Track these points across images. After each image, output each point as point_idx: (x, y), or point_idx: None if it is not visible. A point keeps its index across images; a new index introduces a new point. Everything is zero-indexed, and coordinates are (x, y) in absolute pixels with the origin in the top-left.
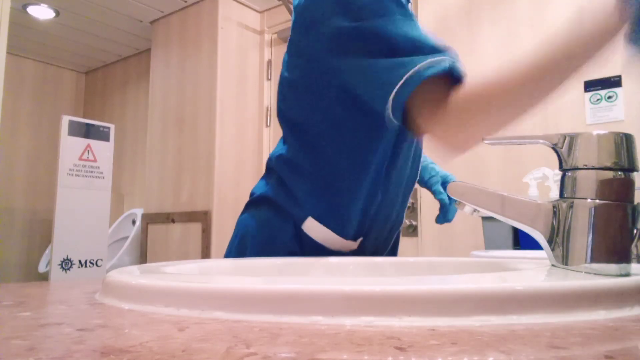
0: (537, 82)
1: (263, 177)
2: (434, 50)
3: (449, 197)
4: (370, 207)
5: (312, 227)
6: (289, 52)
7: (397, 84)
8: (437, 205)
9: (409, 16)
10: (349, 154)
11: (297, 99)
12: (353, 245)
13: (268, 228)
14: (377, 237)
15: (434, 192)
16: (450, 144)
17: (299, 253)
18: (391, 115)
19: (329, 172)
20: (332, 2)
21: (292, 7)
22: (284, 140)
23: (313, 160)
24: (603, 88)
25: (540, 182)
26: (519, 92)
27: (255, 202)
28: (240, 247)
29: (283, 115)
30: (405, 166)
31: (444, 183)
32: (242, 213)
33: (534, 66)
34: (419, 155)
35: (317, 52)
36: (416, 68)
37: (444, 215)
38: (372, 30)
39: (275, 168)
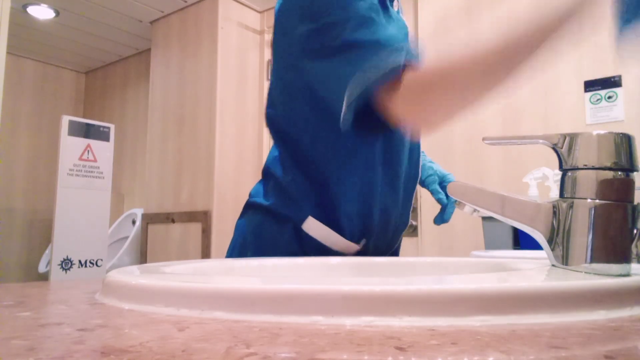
0: (500, 65)
1: (260, 182)
2: (391, 43)
3: (447, 197)
4: (371, 206)
5: (313, 227)
6: (272, 57)
7: (348, 81)
8: (437, 205)
9: (371, 14)
10: (331, 154)
11: (280, 104)
12: (356, 247)
13: (266, 231)
14: (381, 237)
15: (431, 192)
16: (416, 123)
17: (299, 254)
18: (345, 114)
19: (317, 172)
20: (298, 6)
21: None
22: (276, 144)
23: (302, 161)
24: (603, 88)
25: (540, 182)
26: (482, 73)
27: (252, 206)
28: (241, 252)
29: (270, 121)
30: (399, 163)
31: (442, 183)
32: (240, 217)
33: (496, 50)
34: (417, 154)
35: (289, 56)
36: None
37: (442, 215)
38: (329, 29)
39: (271, 171)
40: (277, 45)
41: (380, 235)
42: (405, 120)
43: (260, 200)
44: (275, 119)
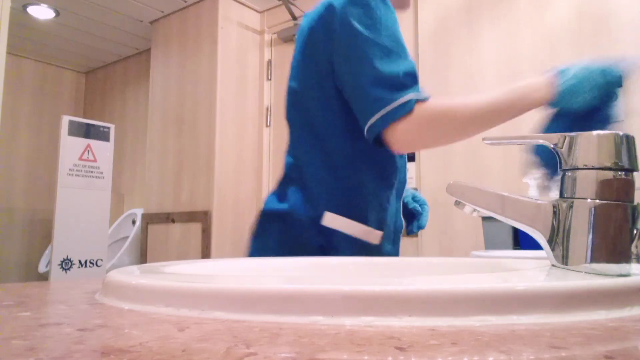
0: (488, 120)
1: (274, 193)
2: (405, 86)
3: (420, 205)
4: (383, 199)
5: (332, 220)
6: (298, 69)
7: (369, 119)
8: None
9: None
10: (353, 151)
11: (312, 101)
12: (379, 233)
13: (289, 235)
14: (388, 236)
15: (406, 203)
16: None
17: (327, 248)
18: (366, 135)
19: (338, 166)
20: (325, 31)
21: (292, 7)
22: (293, 144)
23: (323, 158)
24: None
25: (540, 182)
26: (471, 124)
27: (268, 216)
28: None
29: (293, 121)
30: (400, 169)
31: (414, 197)
32: (257, 235)
33: (486, 110)
34: (405, 163)
35: (321, 72)
36: (383, 112)
37: (418, 223)
38: (359, 59)
39: (288, 176)
40: (305, 62)
41: (387, 233)
42: (410, 144)
43: (277, 206)
44: (302, 116)
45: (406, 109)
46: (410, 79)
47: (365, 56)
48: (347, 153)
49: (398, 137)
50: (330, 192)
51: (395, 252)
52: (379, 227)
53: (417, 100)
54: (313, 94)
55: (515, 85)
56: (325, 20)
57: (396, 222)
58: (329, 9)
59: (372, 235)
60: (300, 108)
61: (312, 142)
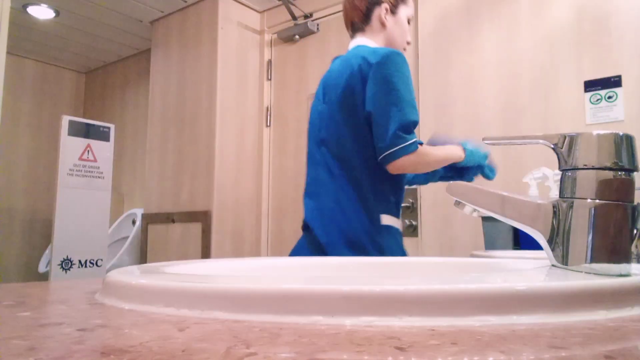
0: (441, 164)
1: (340, 210)
2: (413, 132)
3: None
4: (400, 202)
5: (386, 219)
6: (332, 120)
7: (389, 150)
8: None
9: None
10: (387, 176)
11: (346, 148)
12: (400, 224)
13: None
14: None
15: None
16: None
17: (383, 237)
18: (380, 159)
19: (382, 186)
20: (362, 84)
21: (292, 7)
22: (342, 168)
23: (368, 178)
24: (603, 88)
25: (540, 182)
26: (438, 164)
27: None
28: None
29: (344, 155)
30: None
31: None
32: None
33: (442, 158)
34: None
35: (358, 119)
36: (391, 150)
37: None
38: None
39: (346, 201)
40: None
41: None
42: (403, 170)
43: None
44: (349, 154)
45: (413, 148)
46: (415, 127)
47: (395, 105)
48: (376, 174)
49: (399, 165)
50: (380, 202)
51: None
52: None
53: (420, 144)
54: (349, 137)
55: (448, 148)
56: (363, 75)
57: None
58: (365, 65)
59: (401, 225)
60: (337, 148)
61: (353, 173)
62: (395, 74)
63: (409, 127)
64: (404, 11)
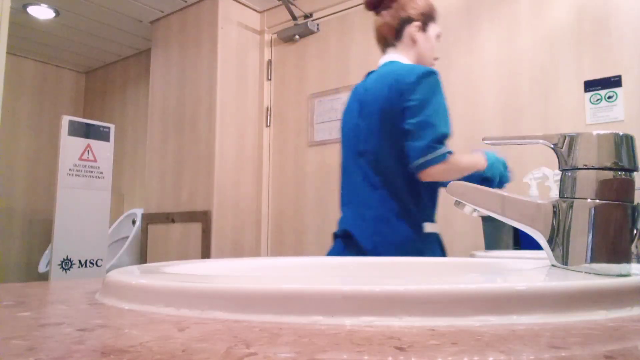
0: (465, 173)
1: (386, 223)
2: (445, 143)
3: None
4: (435, 208)
5: (428, 227)
6: (371, 133)
7: (424, 157)
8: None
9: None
10: (427, 189)
11: (387, 160)
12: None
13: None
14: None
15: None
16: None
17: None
18: (413, 165)
19: (421, 198)
20: (400, 100)
21: (292, 7)
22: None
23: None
24: (603, 88)
25: (540, 182)
26: (463, 173)
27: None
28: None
29: (394, 174)
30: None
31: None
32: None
33: (466, 166)
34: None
35: (397, 132)
36: (423, 160)
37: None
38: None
39: (394, 213)
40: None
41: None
42: (433, 178)
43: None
44: (396, 173)
45: (443, 158)
46: (447, 139)
47: (431, 119)
48: (416, 185)
49: (430, 173)
50: (421, 211)
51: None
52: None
53: (449, 153)
54: (389, 150)
55: (471, 156)
56: (402, 91)
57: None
58: (403, 82)
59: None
60: (377, 160)
61: (394, 185)
62: (431, 91)
63: (442, 139)
64: (433, 29)
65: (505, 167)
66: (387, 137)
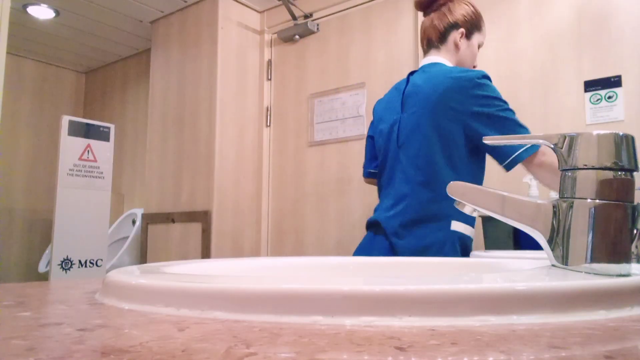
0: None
1: (425, 224)
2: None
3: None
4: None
5: (457, 225)
6: (420, 128)
7: (510, 158)
8: None
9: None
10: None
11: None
12: (473, 232)
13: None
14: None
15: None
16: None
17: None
18: (508, 162)
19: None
20: (459, 101)
21: (292, 7)
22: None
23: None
24: (603, 88)
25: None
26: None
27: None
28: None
29: (432, 167)
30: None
31: None
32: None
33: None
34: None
35: (451, 130)
36: (518, 153)
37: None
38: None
39: (432, 207)
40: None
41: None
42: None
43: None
44: (435, 165)
45: (535, 148)
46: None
47: (509, 112)
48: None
49: (537, 159)
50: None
51: None
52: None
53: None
54: (437, 147)
55: None
56: (462, 92)
57: None
58: (463, 83)
59: (473, 233)
60: (420, 156)
61: (431, 180)
62: (496, 92)
63: (525, 129)
64: (477, 38)
65: None
66: (436, 134)
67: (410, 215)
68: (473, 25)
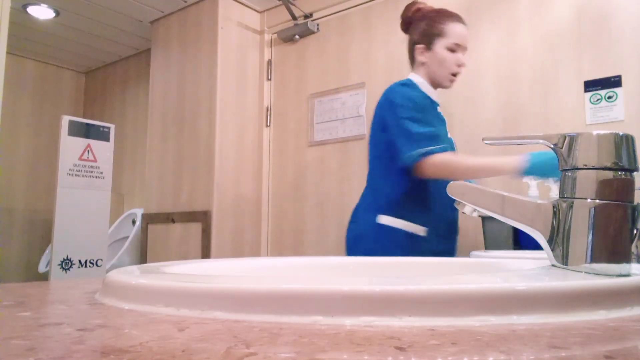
0: (479, 174)
1: (360, 220)
2: (432, 141)
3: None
4: (428, 209)
5: (384, 219)
6: (374, 134)
7: (411, 160)
8: None
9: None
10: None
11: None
12: (422, 229)
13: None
14: (438, 229)
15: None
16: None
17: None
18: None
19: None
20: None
21: (292, 7)
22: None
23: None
24: (603, 88)
25: (540, 182)
26: (473, 174)
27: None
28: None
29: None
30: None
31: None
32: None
33: (479, 171)
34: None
35: (385, 136)
36: (414, 152)
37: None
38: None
39: (367, 205)
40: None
41: (437, 228)
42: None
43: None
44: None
45: (419, 157)
46: (421, 137)
47: (401, 126)
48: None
49: (422, 169)
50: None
51: (447, 245)
52: (425, 224)
53: (429, 153)
54: (382, 149)
55: (494, 159)
56: (379, 106)
57: (452, 219)
58: (385, 95)
59: (419, 230)
60: (376, 158)
61: (381, 176)
62: (395, 101)
63: (417, 136)
64: (441, 43)
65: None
66: (381, 138)
67: (355, 214)
68: (430, 35)
